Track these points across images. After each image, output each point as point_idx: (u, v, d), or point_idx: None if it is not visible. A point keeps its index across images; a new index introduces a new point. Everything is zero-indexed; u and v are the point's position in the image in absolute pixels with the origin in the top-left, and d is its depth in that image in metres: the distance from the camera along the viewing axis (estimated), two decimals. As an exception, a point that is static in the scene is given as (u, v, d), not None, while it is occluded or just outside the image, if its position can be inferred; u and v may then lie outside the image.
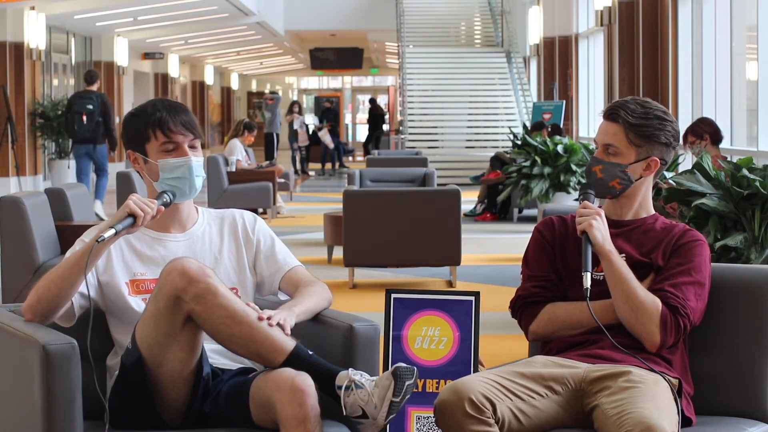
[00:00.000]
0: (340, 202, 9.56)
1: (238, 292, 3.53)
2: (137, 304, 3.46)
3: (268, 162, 16.44)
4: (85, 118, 15.50)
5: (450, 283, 9.37)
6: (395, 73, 35.10)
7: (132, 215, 3.36)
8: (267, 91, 50.71)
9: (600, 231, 3.44)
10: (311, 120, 35.67)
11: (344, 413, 3.24)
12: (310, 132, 28.63)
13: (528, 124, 18.25)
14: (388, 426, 3.70)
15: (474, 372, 3.68)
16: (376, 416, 3.21)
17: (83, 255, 3.32)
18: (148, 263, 3.53)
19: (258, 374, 3.34)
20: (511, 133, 15.07)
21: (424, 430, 3.78)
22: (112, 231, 3.32)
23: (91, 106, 15.51)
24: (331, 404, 3.26)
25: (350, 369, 3.28)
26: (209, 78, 41.75)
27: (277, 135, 25.88)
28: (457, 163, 22.17)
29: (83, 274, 3.31)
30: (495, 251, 11.85)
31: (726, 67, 13.35)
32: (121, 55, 26.92)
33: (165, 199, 3.48)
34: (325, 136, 27.71)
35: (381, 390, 3.20)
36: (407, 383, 3.20)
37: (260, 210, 14.74)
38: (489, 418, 3.16)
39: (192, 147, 3.59)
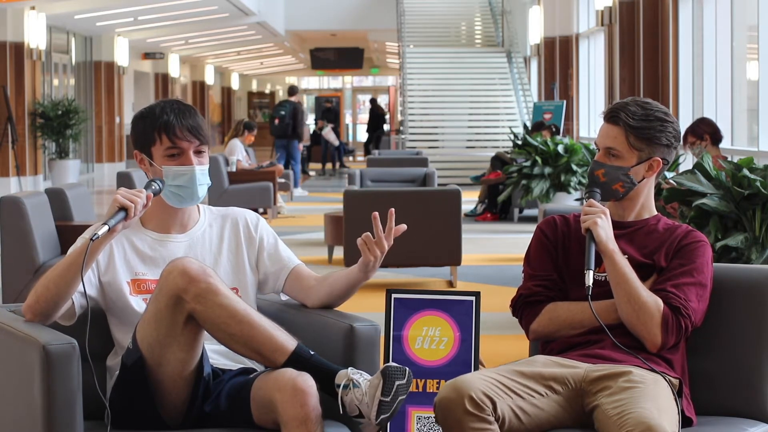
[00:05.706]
0: (341, 202, 9.55)
1: (239, 292, 3.52)
2: (138, 303, 3.46)
3: (268, 162, 16.44)
4: (277, 121, 20.17)
5: (450, 283, 9.36)
6: (396, 73, 35.08)
7: (123, 208, 3.34)
8: (267, 91, 50.75)
9: (604, 229, 3.43)
10: (310, 120, 35.63)
11: (341, 412, 3.24)
12: (311, 131, 28.60)
13: (528, 124, 18.25)
14: (388, 426, 3.69)
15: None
16: (370, 415, 3.20)
17: (79, 254, 3.31)
18: (149, 263, 3.53)
19: (259, 374, 3.34)
20: (512, 133, 15.07)
21: (425, 430, 3.77)
22: (105, 228, 3.29)
23: (283, 112, 20.10)
24: (332, 404, 3.25)
25: (350, 368, 3.27)
26: (209, 78, 41.72)
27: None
28: (458, 163, 22.16)
29: (80, 273, 3.30)
30: (495, 251, 11.84)
31: (727, 66, 13.34)
32: (121, 55, 26.92)
33: (154, 187, 3.46)
34: (329, 134, 27.67)
35: (371, 389, 3.20)
36: (397, 383, 3.19)
37: (261, 210, 14.73)
38: (489, 415, 3.15)
39: (198, 152, 3.58)
